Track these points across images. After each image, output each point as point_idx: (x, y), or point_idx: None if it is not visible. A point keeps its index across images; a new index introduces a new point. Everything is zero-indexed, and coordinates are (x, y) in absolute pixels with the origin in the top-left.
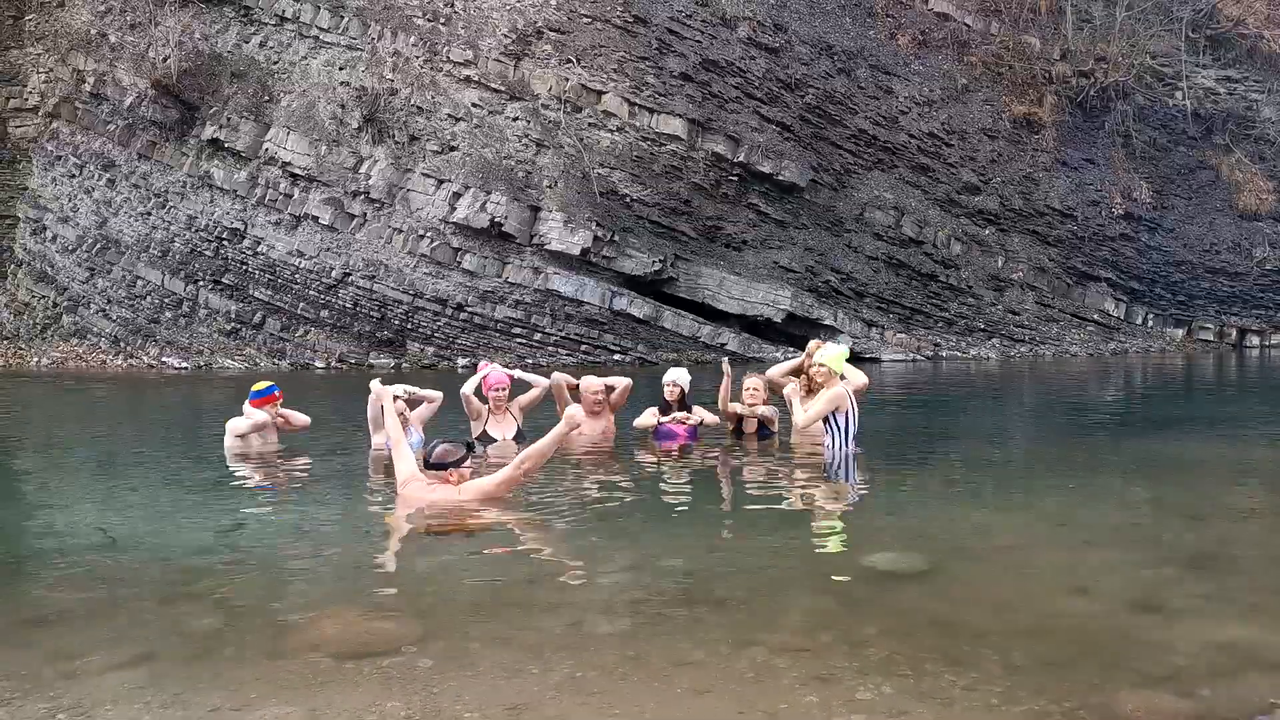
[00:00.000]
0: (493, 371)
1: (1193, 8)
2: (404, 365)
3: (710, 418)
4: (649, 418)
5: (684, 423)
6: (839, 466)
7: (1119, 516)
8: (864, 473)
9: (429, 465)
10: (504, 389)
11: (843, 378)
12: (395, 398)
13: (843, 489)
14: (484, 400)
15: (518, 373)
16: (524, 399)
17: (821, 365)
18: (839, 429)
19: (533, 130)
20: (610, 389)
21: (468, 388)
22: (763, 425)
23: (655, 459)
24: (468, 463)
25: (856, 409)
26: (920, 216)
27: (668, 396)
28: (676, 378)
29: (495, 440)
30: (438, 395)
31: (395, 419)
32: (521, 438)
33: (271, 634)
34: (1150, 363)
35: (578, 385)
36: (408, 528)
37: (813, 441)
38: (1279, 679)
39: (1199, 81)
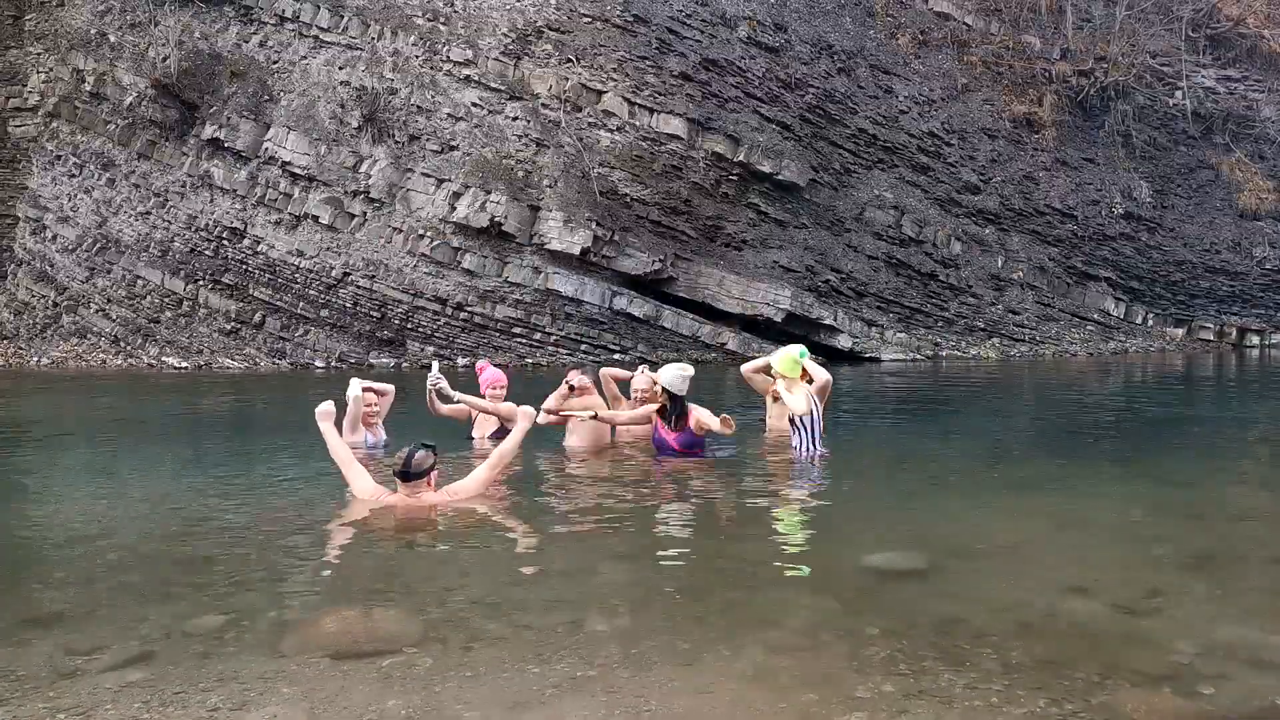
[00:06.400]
0: (490, 370)
1: (1193, 7)
2: (404, 365)
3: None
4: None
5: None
6: (805, 467)
7: (1119, 516)
8: (834, 473)
9: (408, 476)
10: (501, 387)
11: (808, 379)
12: (367, 389)
13: (837, 491)
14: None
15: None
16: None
17: (777, 373)
18: (804, 429)
19: (533, 130)
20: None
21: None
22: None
23: (654, 457)
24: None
25: (819, 409)
26: (920, 216)
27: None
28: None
29: (473, 439)
30: (390, 388)
31: (342, 444)
32: (499, 437)
33: (271, 634)
34: (1150, 362)
35: (628, 380)
36: (404, 530)
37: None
38: (1279, 679)
39: (1199, 81)
